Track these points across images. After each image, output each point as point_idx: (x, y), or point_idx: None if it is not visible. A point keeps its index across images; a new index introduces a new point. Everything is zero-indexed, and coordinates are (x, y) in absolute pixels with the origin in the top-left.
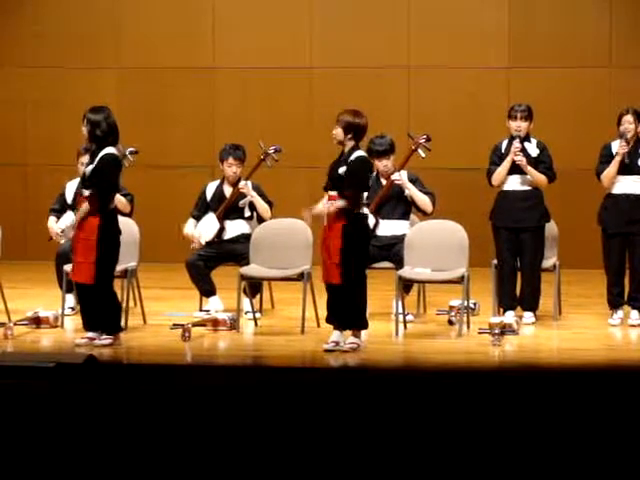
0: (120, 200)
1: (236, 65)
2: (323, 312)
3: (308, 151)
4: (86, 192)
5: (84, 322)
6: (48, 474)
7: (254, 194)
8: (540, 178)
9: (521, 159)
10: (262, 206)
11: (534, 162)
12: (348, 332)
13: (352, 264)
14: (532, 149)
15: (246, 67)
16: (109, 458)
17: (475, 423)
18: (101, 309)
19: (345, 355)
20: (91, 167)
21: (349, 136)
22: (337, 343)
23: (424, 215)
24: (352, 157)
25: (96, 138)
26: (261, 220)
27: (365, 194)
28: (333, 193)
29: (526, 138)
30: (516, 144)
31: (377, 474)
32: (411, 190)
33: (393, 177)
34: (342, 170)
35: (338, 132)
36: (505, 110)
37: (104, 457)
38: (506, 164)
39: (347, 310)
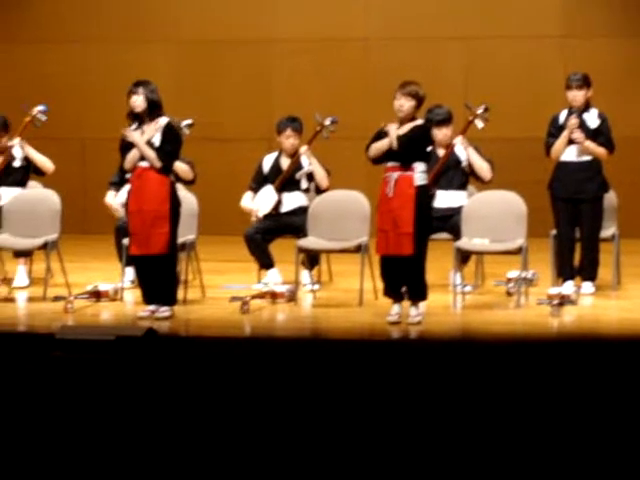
0: (182, 168)
1: (292, 37)
2: (381, 284)
3: (364, 122)
4: (145, 164)
5: (144, 295)
6: (109, 445)
7: (313, 160)
8: (598, 151)
9: (578, 136)
10: (320, 172)
11: (592, 134)
12: (406, 304)
13: (422, 234)
14: (592, 120)
15: (302, 39)
16: (169, 429)
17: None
18: (165, 281)
19: (407, 327)
20: (158, 136)
21: (414, 106)
22: (400, 315)
23: (482, 183)
24: (414, 126)
25: (151, 109)
26: (319, 191)
27: (424, 165)
28: (395, 164)
29: (585, 108)
30: (572, 120)
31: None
32: (471, 155)
33: (454, 141)
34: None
35: (404, 103)
36: (563, 79)
37: (164, 428)
38: (563, 139)
39: (414, 282)
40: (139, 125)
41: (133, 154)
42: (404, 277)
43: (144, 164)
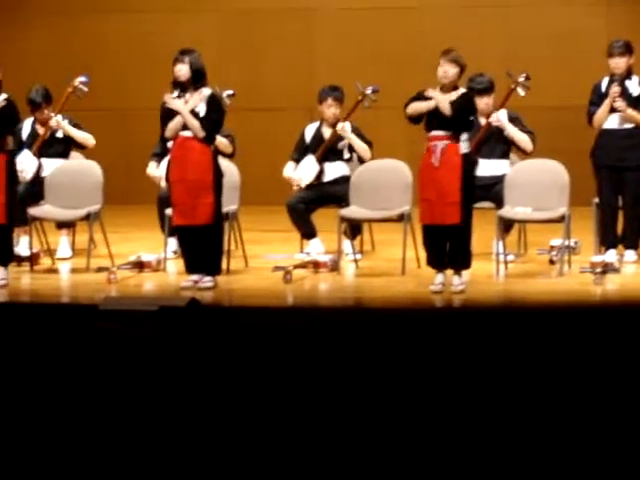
0: (221, 141)
1: (334, 6)
2: (424, 253)
3: (406, 91)
4: (187, 133)
5: (187, 265)
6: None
7: (352, 136)
8: None
9: (620, 104)
10: (361, 147)
11: (635, 102)
12: (449, 273)
13: (468, 203)
14: (634, 87)
15: (344, 7)
16: (212, 399)
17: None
18: (210, 250)
19: (450, 296)
20: (202, 106)
21: (458, 73)
22: (443, 284)
23: (524, 154)
24: (462, 93)
25: (195, 78)
26: (361, 161)
27: (466, 134)
28: (440, 133)
29: (627, 76)
30: (614, 88)
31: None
32: (510, 130)
33: (491, 119)
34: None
35: (448, 69)
36: (605, 46)
37: (207, 398)
38: (605, 107)
39: (459, 250)
40: (181, 94)
41: (175, 122)
42: (449, 246)
43: (186, 133)
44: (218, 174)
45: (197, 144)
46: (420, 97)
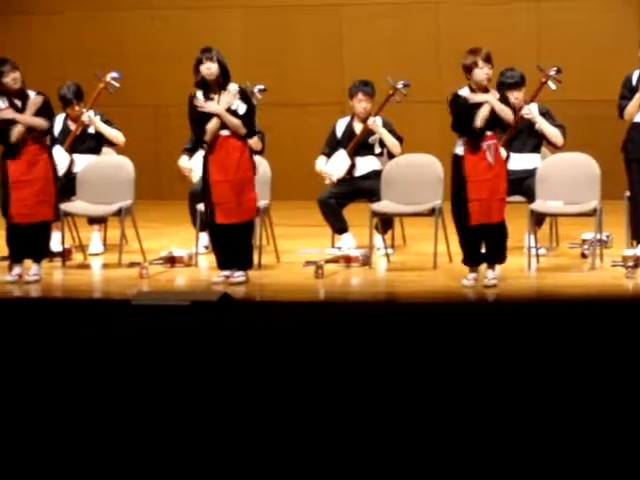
0: (252, 138)
1: (363, 1)
2: (455, 247)
3: (436, 86)
4: (225, 132)
5: (219, 261)
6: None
7: (382, 130)
8: None
9: None
10: (391, 142)
11: None
12: (482, 267)
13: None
14: None
15: (374, 2)
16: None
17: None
18: (244, 245)
19: (482, 290)
20: (237, 102)
21: None
22: (476, 280)
23: (555, 148)
24: (501, 95)
25: (224, 75)
26: (391, 156)
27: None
28: (491, 132)
29: None
30: None
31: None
32: (541, 124)
33: (523, 112)
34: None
35: (488, 71)
36: (636, 39)
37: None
38: (636, 101)
39: (498, 246)
40: (206, 93)
41: (213, 124)
42: (489, 243)
43: (224, 133)
44: (255, 170)
45: (237, 142)
46: (466, 107)
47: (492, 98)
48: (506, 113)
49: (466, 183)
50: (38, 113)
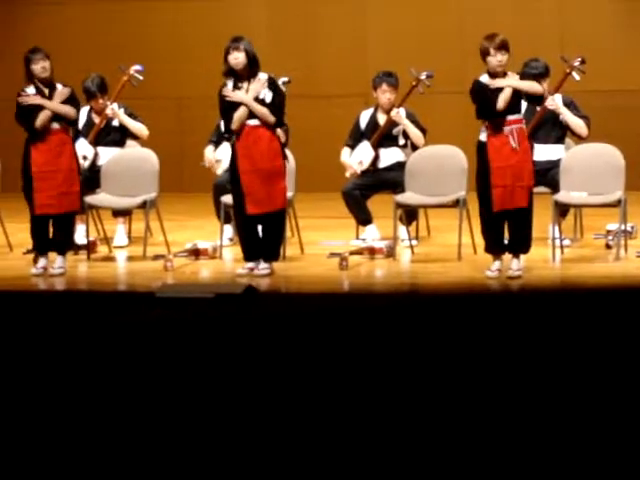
0: (277, 131)
1: None
2: (480, 239)
3: (460, 77)
4: (253, 122)
5: (246, 252)
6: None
7: (406, 122)
8: None
9: None
10: (415, 133)
11: None
12: (506, 258)
13: (531, 187)
14: None
15: None
16: (269, 386)
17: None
18: (274, 237)
19: (507, 281)
20: (265, 91)
21: (508, 58)
22: (500, 270)
23: (579, 139)
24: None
25: (251, 64)
26: (415, 148)
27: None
28: (515, 117)
29: None
30: None
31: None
32: (565, 115)
33: (547, 102)
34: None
35: (501, 58)
36: None
37: (264, 385)
38: None
39: (523, 234)
40: (235, 83)
41: (240, 113)
42: (512, 230)
43: (252, 122)
44: (285, 159)
45: (265, 132)
46: (487, 92)
47: (512, 81)
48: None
49: (490, 169)
50: (66, 103)
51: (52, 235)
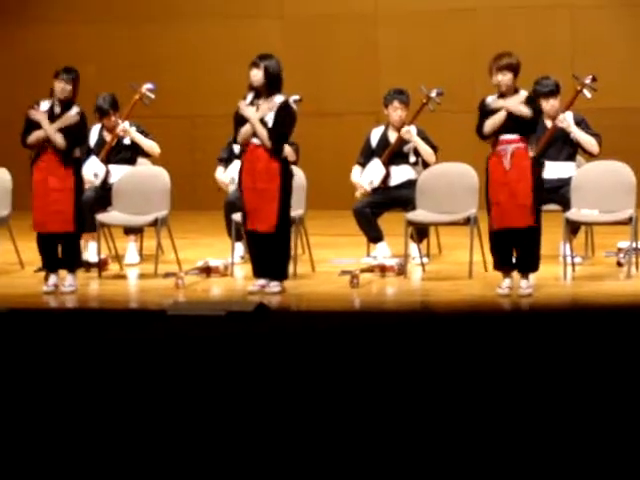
0: (286, 149)
1: (397, 10)
2: (491, 257)
3: (470, 95)
4: (257, 140)
5: (255, 269)
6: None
7: (417, 139)
8: None
9: None
10: (425, 150)
11: None
12: (516, 276)
13: (538, 206)
14: None
15: (408, 12)
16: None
17: None
18: (277, 256)
19: (518, 299)
20: (271, 115)
21: (512, 79)
22: (510, 288)
23: (590, 156)
24: (524, 97)
25: (270, 84)
26: (426, 165)
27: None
28: (510, 136)
29: None
30: None
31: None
32: (576, 132)
33: (557, 120)
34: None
35: (501, 78)
36: None
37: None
38: None
39: (529, 253)
40: (255, 99)
41: (246, 129)
42: (518, 249)
43: (256, 141)
44: (286, 182)
45: (263, 153)
46: (487, 112)
47: (510, 103)
48: (522, 112)
49: (488, 185)
50: (66, 130)
51: (56, 253)
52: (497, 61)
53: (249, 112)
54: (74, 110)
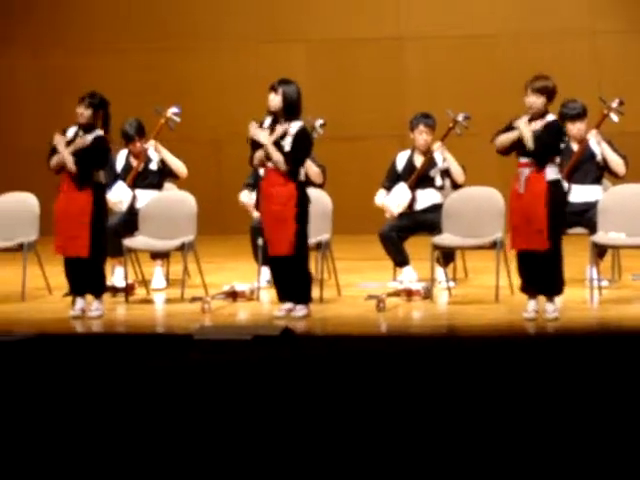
0: (313, 170)
1: (422, 34)
2: (517, 280)
3: (497, 118)
4: (272, 164)
5: (278, 293)
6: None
7: (448, 155)
8: None
9: None
10: (456, 168)
11: None
12: (542, 299)
13: (556, 229)
14: None
15: (433, 36)
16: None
17: None
18: (297, 279)
19: (544, 323)
20: (289, 140)
21: (545, 102)
22: (536, 311)
23: (616, 178)
24: (546, 124)
25: (287, 110)
26: (454, 187)
27: (557, 159)
28: (527, 160)
29: None
30: None
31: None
32: (604, 150)
33: (588, 135)
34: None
35: (535, 100)
36: None
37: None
38: None
39: (550, 277)
40: (272, 123)
41: (260, 153)
42: (540, 272)
43: (270, 165)
44: (302, 206)
45: (279, 177)
46: (509, 128)
47: (522, 126)
48: (527, 143)
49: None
50: (78, 154)
51: (81, 277)
52: (533, 82)
53: (262, 137)
54: (92, 134)
